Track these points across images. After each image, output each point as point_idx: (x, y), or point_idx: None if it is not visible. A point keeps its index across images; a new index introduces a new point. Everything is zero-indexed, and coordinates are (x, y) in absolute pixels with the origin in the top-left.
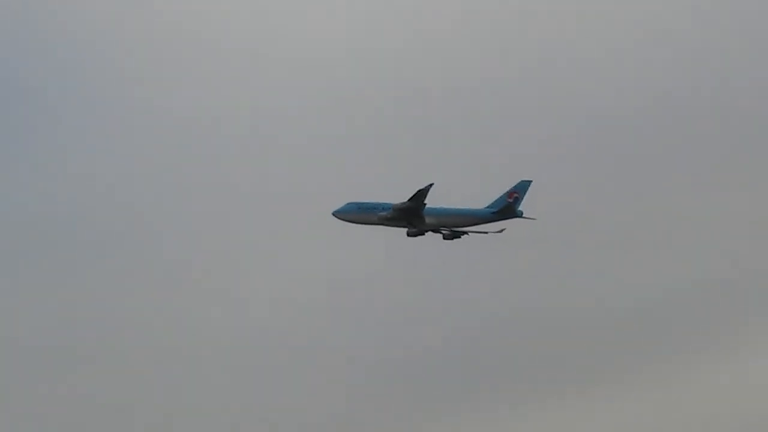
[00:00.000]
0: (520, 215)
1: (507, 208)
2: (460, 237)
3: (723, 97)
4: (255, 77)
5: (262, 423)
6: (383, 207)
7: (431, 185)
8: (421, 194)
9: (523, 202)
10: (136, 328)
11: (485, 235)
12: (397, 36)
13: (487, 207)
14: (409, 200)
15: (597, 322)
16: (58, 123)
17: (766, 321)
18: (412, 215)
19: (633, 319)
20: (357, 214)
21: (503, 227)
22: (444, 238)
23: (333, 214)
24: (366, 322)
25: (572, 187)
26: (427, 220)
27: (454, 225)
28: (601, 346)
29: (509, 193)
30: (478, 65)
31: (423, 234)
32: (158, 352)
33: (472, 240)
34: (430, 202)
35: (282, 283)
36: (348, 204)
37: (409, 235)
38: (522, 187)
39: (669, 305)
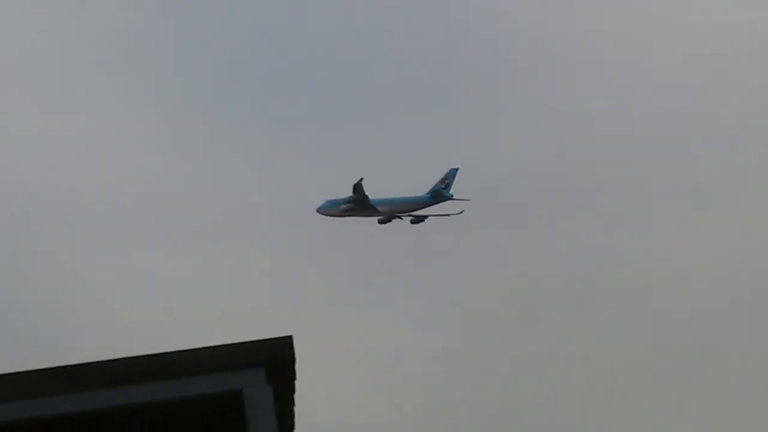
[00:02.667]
0: (450, 197)
1: (437, 193)
2: (423, 220)
3: None
4: None
5: None
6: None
7: (362, 179)
8: (357, 187)
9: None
10: None
11: (447, 217)
12: None
13: (426, 193)
14: (353, 194)
15: None
16: None
17: None
18: (363, 206)
19: None
20: (329, 209)
21: (462, 209)
22: (411, 223)
23: (316, 211)
24: None
25: None
26: (381, 209)
27: (404, 211)
28: None
29: (442, 180)
30: None
31: (391, 221)
32: None
33: None
34: (390, 194)
35: None
36: (326, 201)
37: (380, 222)
38: (451, 174)
39: None
